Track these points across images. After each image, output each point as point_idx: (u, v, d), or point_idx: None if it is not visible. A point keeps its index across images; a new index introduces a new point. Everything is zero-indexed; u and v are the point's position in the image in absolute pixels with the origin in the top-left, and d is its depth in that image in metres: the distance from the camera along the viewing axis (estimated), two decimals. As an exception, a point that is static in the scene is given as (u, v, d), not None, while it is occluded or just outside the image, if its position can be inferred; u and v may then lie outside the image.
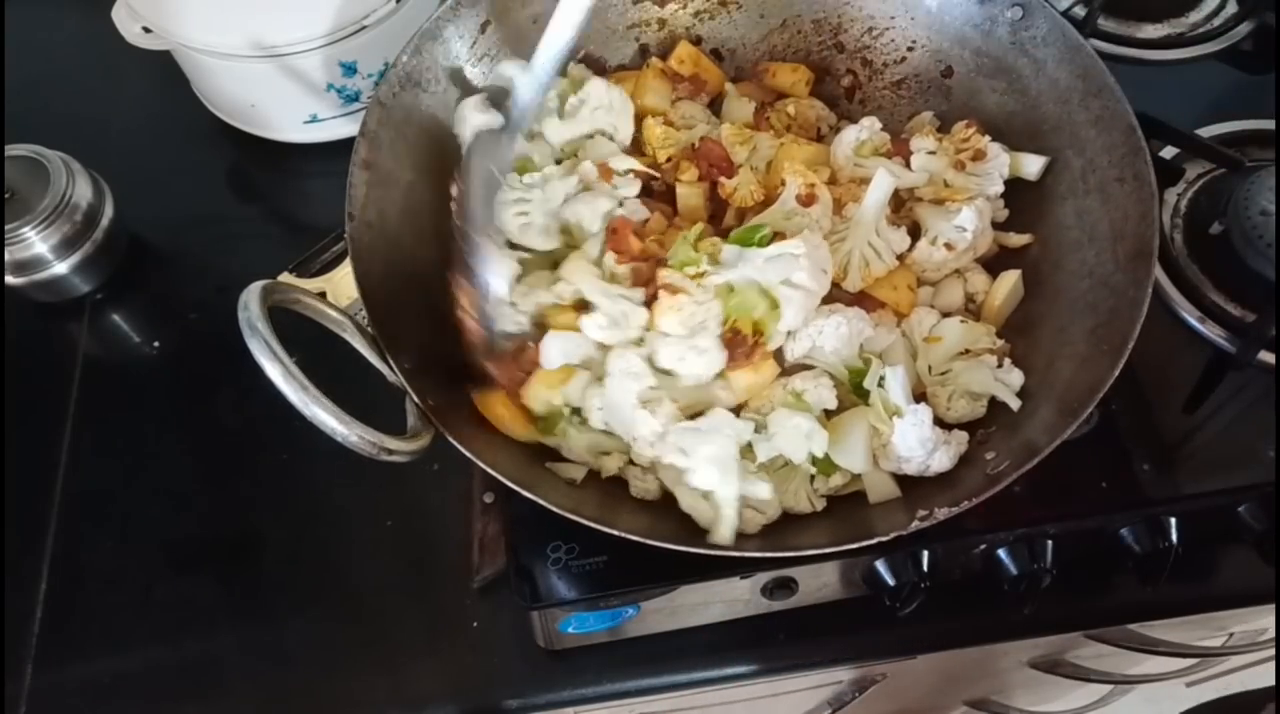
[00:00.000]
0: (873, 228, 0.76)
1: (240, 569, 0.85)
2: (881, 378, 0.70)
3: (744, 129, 0.85)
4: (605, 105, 0.82)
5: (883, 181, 0.76)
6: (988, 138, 0.81)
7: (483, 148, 0.75)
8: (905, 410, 0.68)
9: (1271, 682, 1.35)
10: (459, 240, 0.71)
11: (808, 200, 0.76)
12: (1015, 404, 0.72)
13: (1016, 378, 0.73)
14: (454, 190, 0.73)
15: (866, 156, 0.82)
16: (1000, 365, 0.73)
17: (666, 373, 0.69)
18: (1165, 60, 1.06)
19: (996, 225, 0.82)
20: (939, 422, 0.71)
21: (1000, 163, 0.80)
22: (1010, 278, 0.78)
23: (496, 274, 0.71)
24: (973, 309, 0.80)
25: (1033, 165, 0.81)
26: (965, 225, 0.76)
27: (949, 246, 0.77)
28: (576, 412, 0.71)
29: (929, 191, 0.80)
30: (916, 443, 0.68)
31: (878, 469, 0.71)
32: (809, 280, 0.68)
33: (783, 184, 0.77)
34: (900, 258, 0.78)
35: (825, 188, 0.78)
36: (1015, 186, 0.82)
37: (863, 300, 0.76)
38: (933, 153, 0.80)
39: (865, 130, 0.82)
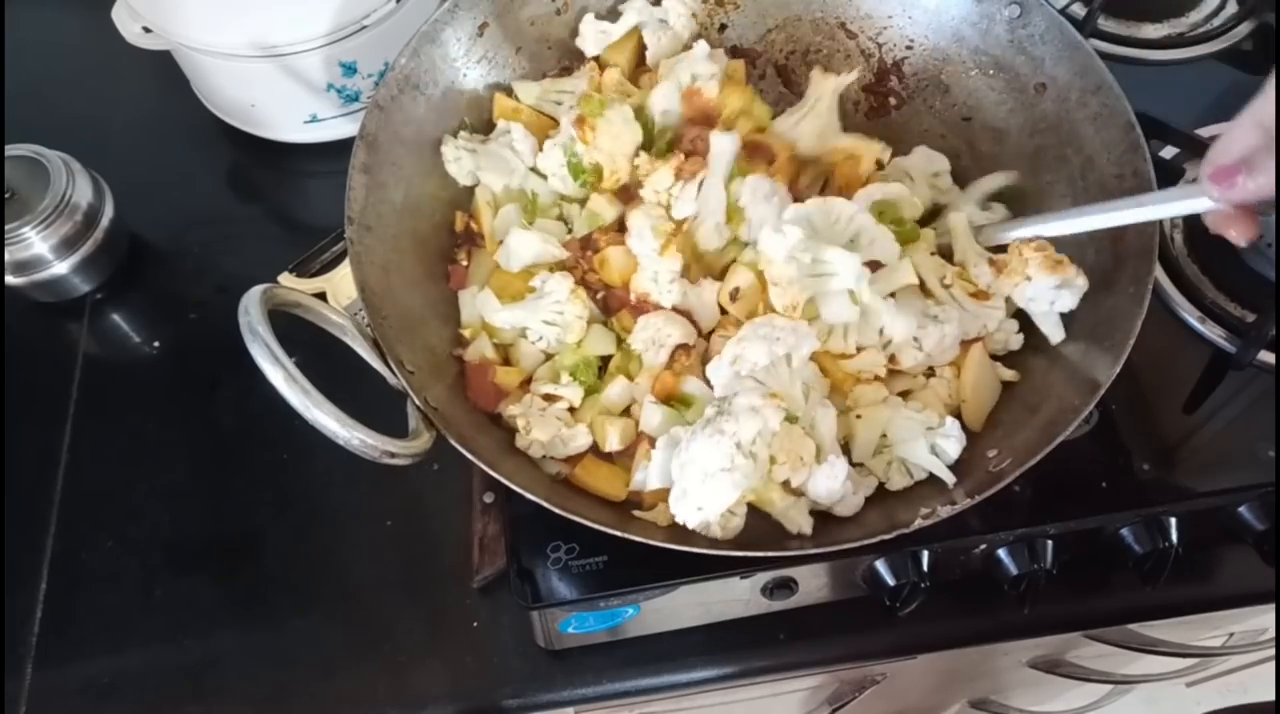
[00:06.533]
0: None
1: (240, 569, 0.85)
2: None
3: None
4: None
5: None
6: (999, 279, 0.73)
7: None
8: (827, 458, 0.66)
9: (1272, 682, 1.35)
10: None
11: (696, 149, 0.75)
12: (950, 479, 0.68)
13: (954, 446, 0.69)
14: None
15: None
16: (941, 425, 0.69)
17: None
18: (1165, 60, 1.06)
19: (998, 357, 0.76)
20: (880, 486, 0.71)
21: (993, 316, 0.74)
22: (969, 379, 0.72)
23: None
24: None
25: (1054, 336, 0.74)
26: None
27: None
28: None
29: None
30: (824, 492, 0.67)
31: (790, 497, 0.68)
32: None
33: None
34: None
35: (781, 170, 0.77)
36: (1013, 189, 0.82)
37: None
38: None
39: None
